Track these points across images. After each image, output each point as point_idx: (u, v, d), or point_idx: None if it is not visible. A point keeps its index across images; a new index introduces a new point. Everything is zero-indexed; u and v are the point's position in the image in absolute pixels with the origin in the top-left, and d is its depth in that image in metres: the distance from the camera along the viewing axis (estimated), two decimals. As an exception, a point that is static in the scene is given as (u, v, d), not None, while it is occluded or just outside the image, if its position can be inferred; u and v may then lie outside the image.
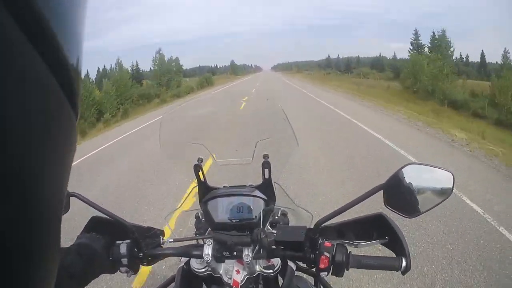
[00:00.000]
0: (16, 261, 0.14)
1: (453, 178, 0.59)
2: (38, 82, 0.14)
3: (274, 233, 0.69)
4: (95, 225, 0.72)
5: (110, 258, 0.68)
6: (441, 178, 0.61)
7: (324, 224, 0.65)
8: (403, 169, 0.57)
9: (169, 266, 2.14)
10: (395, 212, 0.58)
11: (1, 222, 0.13)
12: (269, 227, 0.82)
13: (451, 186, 0.59)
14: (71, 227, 1.09)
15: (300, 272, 0.88)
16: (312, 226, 0.65)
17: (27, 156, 0.14)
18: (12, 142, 0.13)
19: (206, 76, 49.65)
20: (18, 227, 0.14)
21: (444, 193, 0.59)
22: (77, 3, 0.17)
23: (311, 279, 0.98)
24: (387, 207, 0.58)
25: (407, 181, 0.57)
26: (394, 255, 0.62)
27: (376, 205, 0.67)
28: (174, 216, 2.34)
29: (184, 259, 0.78)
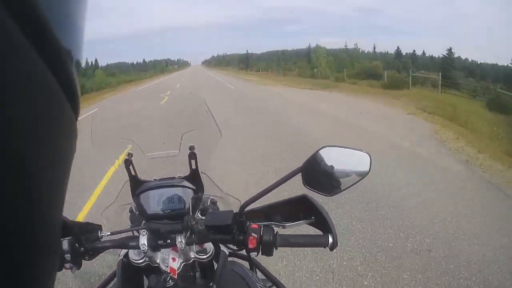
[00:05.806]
0: (18, 258, 0.14)
1: (370, 159, 0.63)
2: (38, 83, 0.14)
3: (203, 219, 0.71)
4: None
5: None
6: (358, 158, 0.63)
7: (251, 209, 0.68)
8: (319, 151, 0.61)
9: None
10: (314, 191, 0.62)
11: (2, 221, 0.13)
12: (199, 214, 0.83)
13: (368, 166, 0.63)
14: None
15: (236, 258, 0.91)
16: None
17: (28, 156, 0.14)
18: (13, 142, 0.13)
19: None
20: (19, 226, 0.14)
21: (361, 172, 0.62)
22: (77, 4, 0.17)
23: (247, 264, 1.02)
24: (306, 187, 0.62)
25: (324, 163, 0.60)
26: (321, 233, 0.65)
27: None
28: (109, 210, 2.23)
29: (123, 253, 0.78)
